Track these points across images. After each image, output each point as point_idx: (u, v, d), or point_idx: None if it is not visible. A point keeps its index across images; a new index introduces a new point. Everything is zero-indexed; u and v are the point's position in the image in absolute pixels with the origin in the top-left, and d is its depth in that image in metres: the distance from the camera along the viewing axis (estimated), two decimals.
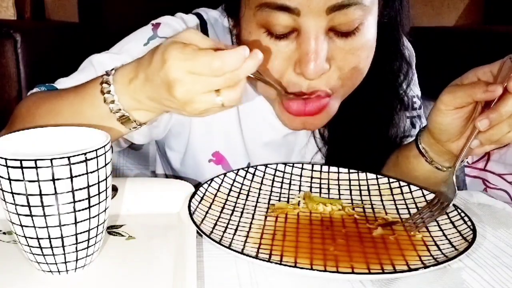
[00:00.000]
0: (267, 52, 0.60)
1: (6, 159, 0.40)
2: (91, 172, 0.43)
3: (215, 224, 0.55)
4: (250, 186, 0.67)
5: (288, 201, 0.64)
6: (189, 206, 0.56)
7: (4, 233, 0.53)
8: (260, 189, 0.67)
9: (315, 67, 0.58)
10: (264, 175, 0.70)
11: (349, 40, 0.60)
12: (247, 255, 0.48)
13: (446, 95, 0.60)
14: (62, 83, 0.69)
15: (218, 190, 0.64)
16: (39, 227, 0.42)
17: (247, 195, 0.65)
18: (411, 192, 0.65)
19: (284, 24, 0.58)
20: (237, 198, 0.64)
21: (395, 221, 0.58)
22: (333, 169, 0.71)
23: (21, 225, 0.43)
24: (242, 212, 0.60)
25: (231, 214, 0.59)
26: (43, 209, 0.42)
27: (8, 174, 0.41)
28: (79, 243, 0.45)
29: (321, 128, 0.77)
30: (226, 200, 0.62)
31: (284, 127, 0.71)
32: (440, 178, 0.67)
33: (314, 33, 0.58)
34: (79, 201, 0.43)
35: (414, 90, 0.82)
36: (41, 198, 0.41)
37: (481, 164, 0.90)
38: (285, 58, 0.61)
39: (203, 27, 0.74)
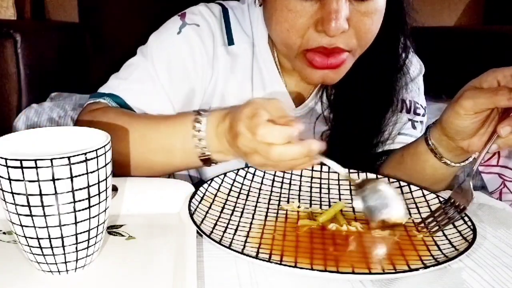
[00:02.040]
0: (292, 11, 0.67)
1: (6, 159, 0.40)
2: (91, 172, 0.43)
3: (215, 224, 0.55)
4: (250, 186, 0.67)
5: (288, 201, 0.64)
6: (189, 206, 0.56)
7: (4, 233, 0.53)
8: (260, 189, 0.67)
9: (337, 25, 0.64)
10: (264, 175, 0.70)
11: (365, 4, 0.67)
12: (247, 255, 0.48)
13: (467, 100, 0.59)
14: (122, 91, 0.75)
15: (218, 190, 0.64)
16: (39, 227, 0.42)
17: (247, 195, 0.65)
18: (411, 192, 0.66)
19: None
20: (237, 198, 0.64)
21: (398, 224, 0.57)
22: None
23: (21, 225, 0.43)
24: (242, 212, 0.60)
25: (231, 214, 0.59)
26: (43, 209, 0.42)
27: (8, 174, 0.41)
28: (79, 243, 0.45)
29: (328, 90, 0.82)
30: (226, 200, 0.62)
31: (295, 110, 0.81)
32: (448, 174, 0.69)
33: None
34: (79, 201, 0.43)
35: (421, 99, 0.85)
36: (41, 198, 0.41)
37: (494, 161, 0.92)
38: (308, 17, 0.66)
39: (225, 13, 0.81)
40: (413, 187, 0.66)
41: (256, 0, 0.79)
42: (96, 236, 0.46)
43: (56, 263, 0.45)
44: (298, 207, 0.62)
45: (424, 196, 0.64)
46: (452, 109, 0.61)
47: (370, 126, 0.80)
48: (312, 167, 0.72)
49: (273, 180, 0.69)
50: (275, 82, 0.80)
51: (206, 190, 0.62)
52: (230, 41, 0.80)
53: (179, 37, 0.77)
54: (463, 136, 0.63)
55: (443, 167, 0.68)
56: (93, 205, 0.44)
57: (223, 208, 0.60)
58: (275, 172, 0.71)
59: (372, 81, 0.79)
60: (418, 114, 0.84)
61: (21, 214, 0.42)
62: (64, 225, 0.43)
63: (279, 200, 0.64)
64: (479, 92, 0.59)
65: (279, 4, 0.67)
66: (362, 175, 0.70)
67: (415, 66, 0.86)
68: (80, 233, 0.44)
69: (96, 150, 0.43)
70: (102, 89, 0.77)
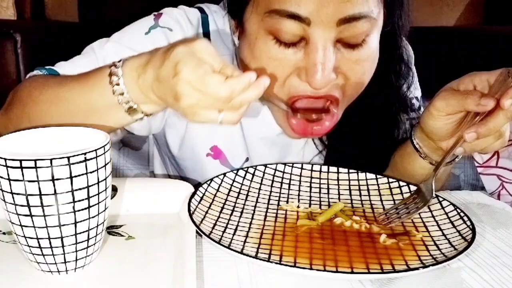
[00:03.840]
0: (272, 59, 0.60)
1: (6, 159, 0.40)
2: (90, 172, 0.43)
3: (215, 224, 0.55)
4: (249, 186, 0.67)
5: (287, 201, 0.64)
6: (189, 206, 0.56)
7: (4, 233, 0.53)
8: (259, 189, 0.67)
9: (323, 78, 0.59)
10: (263, 175, 0.70)
11: (356, 51, 0.61)
12: (246, 255, 0.48)
13: (439, 101, 0.60)
14: (62, 67, 0.68)
15: (217, 190, 0.64)
16: (38, 227, 0.43)
17: (247, 195, 0.65)
18: (410, 192, 0.65)
19: (293, 33, 0.59)
20: (237, 198, 0.64)
21: (402, 233, 0.56)
22: (333, 169, 0.72)
23: (20, 225, 0.43)
24: (241, 212, 0.60)
25: (231, 214, 0.59)
26: (43, 209, 0.42)
27: (8, 174, 0.41)
28: (79, 243, 0.45)
29: None
30: (226, 200, 0.62)
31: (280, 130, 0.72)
32: (438, 174, 0.68)
33: (323, 44, 0.58)
34: (79, 201, 0.43)
35: (414, 91, 0.82)
36: (41, 198, 0.41)
37: (493, 162, 0.92)
38: (291, 65, 0.61)
39: (205, 20, 0.74)
40: (412, 187, 0.66)
41: (233, 38, 0.71)
42: (95, 236, 0.46)
43: (55, 263, 0.45)
44: (298, 207, 0.62)
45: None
46: (427, 109, 0.62)
47: (370, 151, 0.76)
48: (312, 167, 0.72)
49: (273, 180, 0.69)
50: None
51: (206, 190, 0.62)
52: None
53: (146, 38, 0.68)
54: (439, 137, 0.63)
55: (430, 167, 0.68)
56: (93, 205, 0.44)
57: (222, 208, 0.60)
58: (275, 172, 0.71)
59: (369, 121, 0.75)
60: (414, 110, 0.81)
61: (20, 214, 0.42)
62: (64, 225, 0.43)
63: (279, 200, 0.64)
64: (452, 94, 0.59)
65: (258, 49, 0.61)
66: (362, 175, 0.70)
67: (409, 51, 0.81)
68: (80, 233, 0.44)
69: (95, 150, 0.43)
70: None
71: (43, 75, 0.67)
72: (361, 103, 0.69)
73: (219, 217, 0.58)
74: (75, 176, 0.42)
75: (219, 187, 0.65)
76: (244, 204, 0.62)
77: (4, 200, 0.42)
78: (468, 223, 0.55)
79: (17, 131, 0.49)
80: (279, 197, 0.65)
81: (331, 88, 0.62)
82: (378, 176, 0.69)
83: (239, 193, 0.65)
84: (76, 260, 0.45)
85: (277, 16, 0.58)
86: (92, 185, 0.44)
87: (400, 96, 0.77)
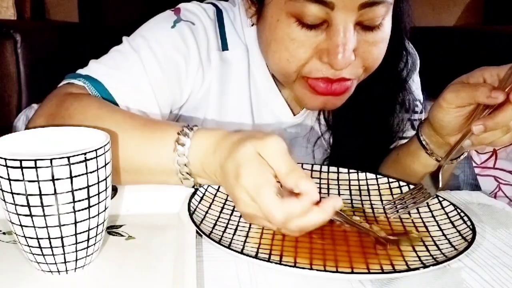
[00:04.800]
0: (294, 41, 0.63)
1: (6, 159, 0.40)
2: (90, 172, 0.43)
3: (215, 224, 0.55)
4: None
5: None
6: (189, 206, 0.56)
7: (4, 233, 0.53)
8: None
9: (344, 59, 0.61)
10: None
11: (373, 33, 0.64)
12: (246, 255, 0.48)
13: (449, 94, 0.61)
14: (96, 70, 0.67)
15: (218, 190, 0.64)
16: (38, 227, 0.42)
17: None
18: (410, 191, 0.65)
19: (317, 16, 0.61)
20: None
21: (402, 233, 0.56)
22: (333, 169, 0.71)
23: (20, 225, 0.43)
24: None
25: (231, 214, 0.59)
26: (43, 209, 0.42)
27: (8, 174, 0.41)
28: (79, 243, 0.45)
29: (326, 114, 0.80)
30: (226, 200, 0.62)
31: (294, 118, 0.76)
32: (442, 172, 0.68)
33: (344, 27, 0.61)
34: (79, 201, 0.43)
35: (418, 94, 0.84)
36: (41, 198, 0.41)
37: (490, 163, 0.92)
38: (312, 47, 0.63)
39: (219, 15, 0.76)
40: (412, 187, 0.66)
41: (248, 20, 0.73)
42: (95, 236, 0.46)
43: (55, 263, 0.45)
44: None
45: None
46: (437, 102, 0.63)
47: (374, 145, 0.79)
48: (312, 167, 0.72)
49: None
50: (270, 90, 0.76)
51: (206, 190, 0.62)
52: (224, 46, 0.74)
53: (173, 31, 0.70)
54: (448, 131, 0.63)
55: (435, 164, 0.68)
56: (93, 205, 0.44)
57: (222, 208, 0.60)
58: None
59: (374, 102, 0.77)
60: (416, 112, 0.82)
61: (20, 214, 0.42)
62: (64, 225, 0.43)
63: None
64: (462, 87, 0.60)
65: (280, 31, 0.63)
66: (362, 175, 0.70)
67: (414, 56, 0.84)
68: (80, 233, 0.44)
69: (95, 150, 0.43)
70: (80, 70, 0.68)
71: (88, 96, 0.64)
72: (366, 89, 0.72)
73: (219, 217, 0.58)
74: (75, 176, 0.42)
75: (219, 187, 0.64)
76: None
77: (4, 200, 0.42)
78: (468, 223, 0.55)
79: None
80: None
81: (348, 70, 0.65)
82: (378, 176, 0.69)
83: None
84: (76, 260, 0.45)
85: (302, 0, 0.60)
86: (92, 185, 0.44)
87: (401, 83, 0.79)
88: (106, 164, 0.45)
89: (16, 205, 0.42)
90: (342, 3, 0.59)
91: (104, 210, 0.46)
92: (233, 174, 0.48)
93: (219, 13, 0.76)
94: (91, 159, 0.43)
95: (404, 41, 0.78)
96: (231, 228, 0.55)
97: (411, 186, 0.66)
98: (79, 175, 0.42)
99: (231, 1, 0.78)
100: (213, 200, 0.61)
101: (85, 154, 0.42)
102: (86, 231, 0.45)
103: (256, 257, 0.48)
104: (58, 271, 0.45)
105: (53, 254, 0.44)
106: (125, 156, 0.56)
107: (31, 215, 0.42)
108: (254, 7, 0.70)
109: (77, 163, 0.42)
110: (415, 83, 0.84)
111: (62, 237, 0.43)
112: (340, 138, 0.80)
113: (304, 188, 0.45)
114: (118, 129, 0.56)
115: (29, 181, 0.41)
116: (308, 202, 0.45)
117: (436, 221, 0.58)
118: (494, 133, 0.57)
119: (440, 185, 0.60)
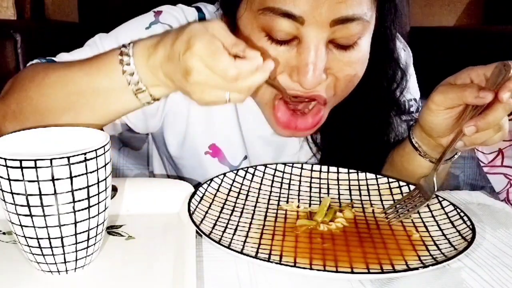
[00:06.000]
0: (264, 56, 0.59)
1: (5, 159, 0.40)
2: (90, 172, 0.43)
3: (215, 224, 0.55)
4: (249, 186, 0.67)
5: (287, 201, 0.64)
6: (189, 206, 0.56)
7: (4, 233, 0.53)
8: (259, 189, 0.67)
9: (314, 78, 0.59)
10: (263, 175, 0.70)
11: (347, 53, 0.61)
12: (246, 255, 0.48)
13: (438, 96, 0.60)
14: (63, 58, 0.68)
15: (217, 190, 0.64)
16: (38, 227, 0.43)
17: (247, 195, 0.65)
18: (410, 191, 0.65)
19: (287, 31, 0.59)
20: (237, 198, 0.64)
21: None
22: (333, 169, 0.71)
23: (20, 225, 0.43)
24: (241, 212, 0.60)
25: (231, 214, 0.59)
26: (43, 209, 0.42)
27: (8, 174, 0.41)
28: (79, 243, 0.45)
29: (313, 135, 0.77)
30: (226, 200, 0.62)
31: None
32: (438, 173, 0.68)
33: (315, 44, 0.59)
34: (79, 201, 0.43)
35: (412, 93, 0.82)
36: (41, 198, 0.41)
37: (498, 161, 0.93)
38: (283, 63, 0.61)
39: (202, 19, 0.75)
40: (412, 187, 0.66)
41: None
42: (95, 236, 0.46)
43: (55, 263, 0.45)
44: (298, 207, 0.62)
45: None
46: (426, 105, 0.62)
47: (365, 153, 0.76)
48: (312, 167, 0.72)
49: (273, 180, 0.69)
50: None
51: (206, 190, 0.62)
52: None
53: (146, 32, 0.68)
54: (439, 133, 0.63)
55: (429, 165, 0.67)
56: (93, 205, 0.44)
57: (222, 208, 0.60)
58: (275, 172, 0.71)
59: (362, 123, 0.74)
60: (412, 112, 0.80)
61: (20, 214, 0.42)
62: (64, 225, 0.43)
63: (279, 200, 0.64)
64: (450, 88, 0.59)
65: (251, 45, 0.59)
66: (362, 175, 0.70)
67: (407, 52, 0.82)
68: (80, 233, 0.44)
69: (95, 150, 0.43)
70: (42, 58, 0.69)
71: (46, 62, 0.67)
72: (353, 104, 0.70)
73: (219, 217, 0.58)
74: (75, 176, 0.42)
75: (219, 187, 0.65)
76: (244, 204, 0.62)
77: (4, 200, 0.43)
78: (468, 223, 0.55)
79: (17, 117, 0.48)
80: (279, 197, 0.65)
81: (320, 88, 0.63)
82: (378, 176, 0.69)
83: (239, 193, 0.65)
84: (76, 260, 0.45)
85: (271, 14, 0.58)
86: (92, 185, 0.44)
87: (393, 99, 0.77)
88: (106, 164, 0.45)
89: (16, 205, 0.42)
90: (313, 19, 0.57)
91: (104, 210, 0.46)
92: (184, 48, 0.49)
93: (202, 18, 0.74)
94: (91, 159, 0.43)
95: (393, 54, 0.74)
96: (231, 228, 0.55)
97: (411, 186, 0.66)
98: (79, 175, 0.42)
99: (217, 5, 0.77)
100: (213, 200, 0.61)
101: (85, 154, 0.42)
102: (86, 231, 0.45)
103: (256, 257, 0.48)
104: (58, 271, 0.46)
105: (53, 254, 0.44)
106: (76, 85, 0.58)
107: (31, 215, 0.42)
108: (227, 19, 0.68)
109: (77, 163, 0.42)
110: (411, 78, 0.82)
111: (62, 237, 0.43)
112: (331, 155, 0.77)
113: (251, 54, 0.50)
114: (66, 67, 0.60)
115: (29, 181, 0.41)
116: (255, 63, 0.50)
117: (436, 221, 0.58)
118: (486, 132, 0.57)
119: (436, 189, 0.60)
